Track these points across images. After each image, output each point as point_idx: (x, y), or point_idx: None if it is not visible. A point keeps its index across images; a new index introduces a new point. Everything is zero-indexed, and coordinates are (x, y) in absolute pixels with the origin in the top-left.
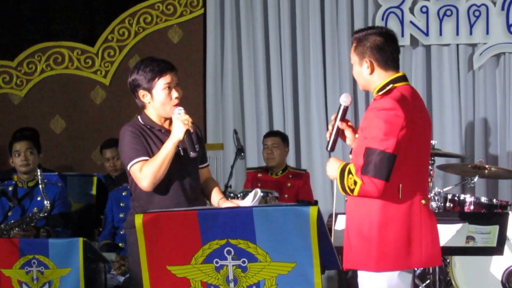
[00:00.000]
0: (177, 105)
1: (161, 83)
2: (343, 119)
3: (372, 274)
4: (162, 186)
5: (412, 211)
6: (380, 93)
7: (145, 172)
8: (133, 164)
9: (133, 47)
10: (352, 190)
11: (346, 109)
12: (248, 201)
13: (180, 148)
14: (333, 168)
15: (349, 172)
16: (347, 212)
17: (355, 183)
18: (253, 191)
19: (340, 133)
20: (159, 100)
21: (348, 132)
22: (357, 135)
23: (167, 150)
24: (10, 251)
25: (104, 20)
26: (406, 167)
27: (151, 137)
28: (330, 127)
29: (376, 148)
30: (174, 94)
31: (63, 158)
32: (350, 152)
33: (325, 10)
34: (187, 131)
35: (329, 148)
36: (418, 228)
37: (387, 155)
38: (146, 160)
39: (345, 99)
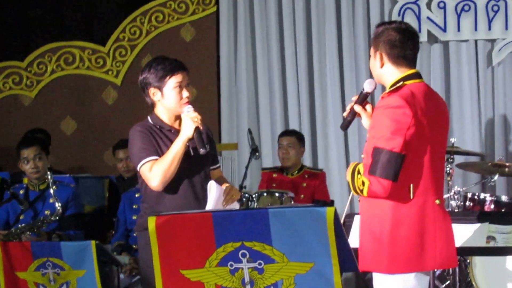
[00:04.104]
0: (186, 103)
1: (172, 82)
2: (360, 103)
3: (387, 276)
4: (172, 186)
5: (425, 212)
6: (388, 90)
7: (155, 171)
8: (143, 164)
9: (145, 46)
10: (361, 191)
11: (366, 94)
12: (211, 200)
13: (190, 148)
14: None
15: (358, 172)
16: (360, 212)
17: (363, 183)
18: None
19: (356, 115)
20: (169, 99)
21: (364, 117)
22: (368, 134)
23: (176, 148)
24: (23, 254)
25: (116, 19)
26: (417, 167)
27: (161, 137)
28: (348, 108)
29: (383, 147)
30: (185, 93)
31: (74, 160)
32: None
33: (341, 6)
34: (197, 128)
35: (341, 127)
36: (432, 228)
37: (395, 155)
38: (156, 159)
39: (367, 85)
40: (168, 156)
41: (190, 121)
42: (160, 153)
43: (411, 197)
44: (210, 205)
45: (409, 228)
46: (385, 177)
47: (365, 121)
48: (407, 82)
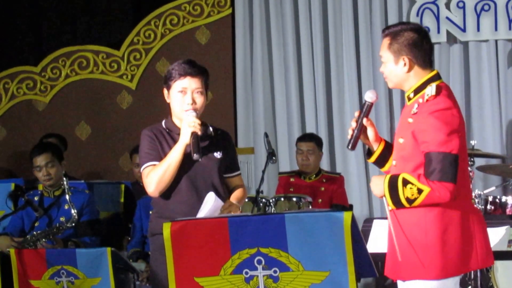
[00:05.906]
0: (191, 109)
1: (177, 85)
2: (367, 115)
3: (426, 282)
4: (177, 192)
5: (467, 212)
6: (430, 94)
7: (150, 178)
8: (143, 169)
9: (159, 49)
10: (413, 201)
11: (371, 106)
12: (204, 210)
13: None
14: (378, 184)
15: (406, 182)
16: (395, 223)
17: (419, 191)
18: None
19: (362, 131)
20: (173, 102)
21: (370, 130)
22: (401, 139)
23: (173, 155)
24: (37, 262)
25: (130, 22)
26: (460, 168)
27: (168, 140)
28: (353, 124)
29: (441, 151)
30: (187, 99)
31: (89, 165)
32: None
33: (358, 7)
34: (194, 134)
35: (350, 146)
36: (472, 228)
37: (454, 157)
38: (155, 165)
39: (370, 96)
40: (164, 163)
41: (187, 126)
42: (163, 157)
43: (455, 198)
44: (201, 215)
45: (456, 231)
46: (450, 181)
47: (371, 135)
48: (436, 83)
